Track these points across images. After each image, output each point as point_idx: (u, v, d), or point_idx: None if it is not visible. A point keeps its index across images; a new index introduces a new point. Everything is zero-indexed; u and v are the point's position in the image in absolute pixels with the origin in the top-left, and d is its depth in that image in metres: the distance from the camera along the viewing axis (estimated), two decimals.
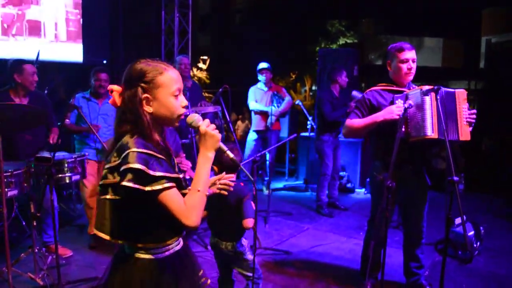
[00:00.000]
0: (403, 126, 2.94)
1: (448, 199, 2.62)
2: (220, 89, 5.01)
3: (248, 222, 2.71)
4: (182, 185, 1.63)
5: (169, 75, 1.62)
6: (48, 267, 3.53)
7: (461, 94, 2.98)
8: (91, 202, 4.39)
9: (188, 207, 1.56)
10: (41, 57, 4.81)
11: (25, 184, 3.31)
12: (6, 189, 3.03)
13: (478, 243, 4.30)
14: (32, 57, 4.74)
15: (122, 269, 1.66)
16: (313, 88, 15.94)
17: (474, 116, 2.99)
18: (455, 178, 2.53)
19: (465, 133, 2.96)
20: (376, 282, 3.49)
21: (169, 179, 1.54)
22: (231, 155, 1.71)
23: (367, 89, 3.35)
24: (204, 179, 1.62)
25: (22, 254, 3.66)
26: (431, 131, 2.91)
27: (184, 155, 4.21)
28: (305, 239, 4.70)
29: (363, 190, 6.79)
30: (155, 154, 1.54)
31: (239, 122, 8.94)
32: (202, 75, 10.69)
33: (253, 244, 2.61)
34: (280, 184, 7.32)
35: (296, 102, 6.82)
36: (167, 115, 1.64)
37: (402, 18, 14.91)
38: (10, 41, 5.65)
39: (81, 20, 6.40)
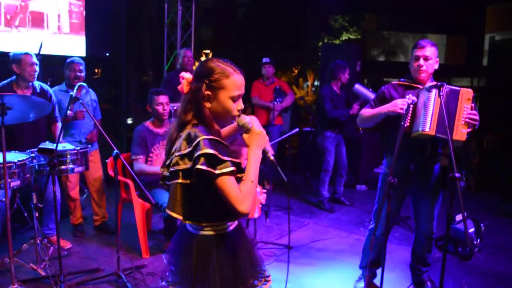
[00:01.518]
0: (407, 121, 2.95)
1: (450, 196, 2.63)
2: None
3: None
4: (242, 169, 1.76)
5: (233, 79, 1.76)
6: (49, 258, 3.56)
7: (465, 93, 2.93)
8: (74, 194, 4.41)
9: (243, 194, 1.67)
10: (44, 49, 4.80)
11: (28, 175, 3.32)
12: (9, 180, 3.03)
13: (478, 240, 4.31)
14: (35, 49, 4.74)
15: (196, 248, 1.80)
16: (316, 83, 15.93)
17: (474, 117, 2.92)
18: (457, 175, 2.54)
19: (460, 133, 2.90)
20: (375, 276, 3.51)
21: (233, 164, 1.68)
22: (272, 157, 1.83)
23: (369, 85, 3.37)
24: (256, 172, 1.74)
25: (25, 245, 3.69)
26: (428, 128, 2.92)
27: None
28: (305, 234, 4.72)
29: (363, 186, 6.80)
30: (220, 140, 1.70)
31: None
32: None
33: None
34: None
35: (299, 97, 6.81)
36: (222, 114, 1.78)
37: (405, 14, 14.88)
38: (13, 33, 5.64)
39: (84, 12, 6.39)
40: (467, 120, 2.91)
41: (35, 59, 3.87)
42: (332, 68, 5.65)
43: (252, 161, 1.76)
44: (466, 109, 2.92)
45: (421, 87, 3.11)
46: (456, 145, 2.97)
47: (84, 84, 3.96)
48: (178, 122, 1.79)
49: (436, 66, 3.17)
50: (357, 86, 5.00)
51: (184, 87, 1.80)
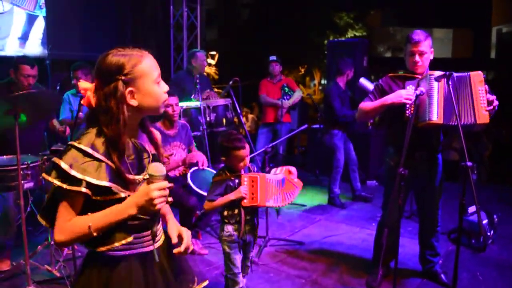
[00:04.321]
0: (411, 111, 2.96)
1: (462, 185, 2.62)
2: (230, 82, 5.02)
3: None
4: (110, 192, 1.48)
5: (148, 62, 1.52)
6: (64, 259, 3.58)
7: (476, 76, 2.92)
8: None
9: (67, 226, 1.44)
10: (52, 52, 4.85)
11: (41, 177, 3.35)
12: (22, 181, 3.06)
13: (492, 232, 4.28)
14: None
15: (82, 264, 1.62)
16: (322, 81, 15.90)
17: (494, 103, 2.91)
18: (469, 164, 2.53)
19: (482, 116, 2.88)
20: (388, 270, 3.50)
21: (92, 186, 1.43)
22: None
23: (379, 79, 3.38)
24: (105, 225, 1.45)
25: (39, 247, 3.72)
26: (436, 116, 2.92)
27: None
28: (317, 230, 4.72)
29: (374, 181, 6.78)
30: (94, 155, 1.45)
31: (245, 117, 8.97)
32: (211, 70, 10.69)
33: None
34: None
35: (307, 95, 6.82)
36: (152, 104, 1.54)
37: (410, 9, 14.82)
38: None
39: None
40: (486, 106, 2.89)
41: (34, 71, 3.81)
42: (339, 63, 5.63)
43: (113, 213, 1.45)
44: (481, 91, 2.90)
45: (419, 77, 3.11)
46: (478, 129, 2.97)
47: None
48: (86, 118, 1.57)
49: (431, 57, 3.16)
50: (362, 80, 4.97)
51: (91, 100, 1.52)
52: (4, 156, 3.45)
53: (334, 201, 5.63)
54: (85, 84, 1.54)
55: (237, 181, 2.73)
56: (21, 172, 3.05)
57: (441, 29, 15.62)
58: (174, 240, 1.64)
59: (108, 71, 1.47)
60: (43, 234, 4.37)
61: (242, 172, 2.76)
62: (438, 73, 2.95)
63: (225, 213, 2.75)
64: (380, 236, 3.45)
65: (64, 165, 1.41)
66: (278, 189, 2.77)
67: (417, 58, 3.10)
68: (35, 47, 5.75)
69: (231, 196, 2.69)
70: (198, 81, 4.70)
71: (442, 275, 3.44)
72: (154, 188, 1.42)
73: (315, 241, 4.37)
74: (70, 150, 1.45)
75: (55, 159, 1.44)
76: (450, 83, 2.76)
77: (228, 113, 4.93)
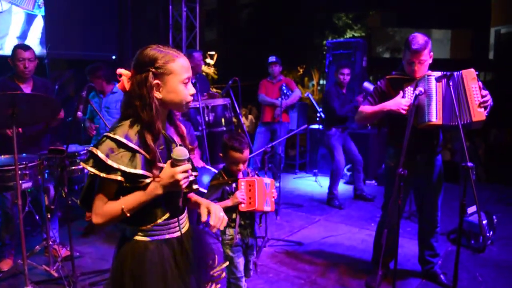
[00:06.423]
0: (412, 112, 2.95)
1: (462, 186, 2.61)
2: (230, 81, 5.01)
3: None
4: (139, 181, 1.60)
5: (180, 63, 1.64)
6: (62, 259, 3.56)
7: (468, 73, 2.90)
8: None
9: (103, 210, 1.59)
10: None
11: (39, 177, 3.33)
12: (20, 181, 3.05)
13: (491, 232, 4.28)
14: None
15: (116, 250, 1.74)
16: (321, 82, 15.91)
17: (487, 98, 2.89)
18: (469, 164, 2.52)
19: (478, 114, 2.86)
20: (387, 271, 3.49)
21: (127, 175, 1.56)
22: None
23: (376, 82, 3.37)
24: (136, 205, 1.60)
25: (37, 247, 3.70)
26: (435, 117, 2.92)
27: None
28: (316, 230, 4.70)
29: (373, 181, 6.77)
30: (128, 145, 1.57)
31: (245, 117, 8.96)
32: (210, 70, 10.66)
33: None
34: (290, 177, 7.31)
35: (306, 94, 6.82)
36: (175, 101, 1.67)
37: (409, 10, 14.83)
38: None
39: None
40: (480, 101, 2.87)
41: (29, 54, 3.69)
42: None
43: (142, 195, 1.60)
44: (474, 89, 2.88)
45: (417, 77, 3.09)
46: (476, 127, 2.96)
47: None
48: (120, 116, 1.68)
49: (431, 61, 3.14)
50: (366, 84, 4.98)
51: (124, 84, 1.64)
52: (2, 156, 3.44)
53: (333, 201, 5.62)
54: (123, 70, 1.65)
55: (234, 185, 2.69)
56: (19, 172, 3.03)
57: (439, 30, 15.64)
58: (204, 217, 1.78)
59: (142, 62, 1.61)
60: (41, 234, 4.35)
61: (240, 176, 2.72)
62: (435, 73, 2.95)
63: None
64: (379, 236, 3.44)
65: (101, 154, 1.55)
66: (269, 193, 2.76)
67: (416, 67, 3.07)
68: (33, 46, 5.66)
69: (229, 203, 2.64)
70: (195, 81, 4.68)
71: (442, 276, 3.43)
72: (179, 171, 1.58)
73: (314, 242, 4.36)
74: (106, 140, 1.58)
75: (91, 148, 1.57)
76: (450, 83, 2.76)
77: (227, 113, 4.90)
